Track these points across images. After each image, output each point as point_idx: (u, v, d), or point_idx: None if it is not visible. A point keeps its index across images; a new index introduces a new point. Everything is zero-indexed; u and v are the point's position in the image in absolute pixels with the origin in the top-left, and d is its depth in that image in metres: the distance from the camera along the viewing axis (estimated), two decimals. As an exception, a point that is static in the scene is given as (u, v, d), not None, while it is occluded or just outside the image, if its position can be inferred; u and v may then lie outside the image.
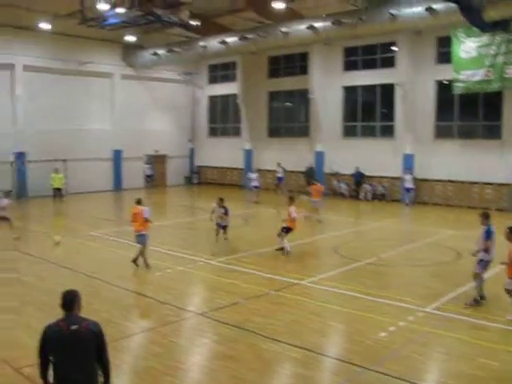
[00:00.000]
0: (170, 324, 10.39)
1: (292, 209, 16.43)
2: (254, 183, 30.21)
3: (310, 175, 31.24)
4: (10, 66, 30.13)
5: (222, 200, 16.90)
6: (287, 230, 16.33)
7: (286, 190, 30.98)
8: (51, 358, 5.20)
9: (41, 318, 10.53)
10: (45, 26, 27.95)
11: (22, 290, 12.75)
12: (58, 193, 28.15)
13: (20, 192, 30.14)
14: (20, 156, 30.40)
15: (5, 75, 30.24)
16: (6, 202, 18.65)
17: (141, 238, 14.47)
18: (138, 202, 14.82)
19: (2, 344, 9.31)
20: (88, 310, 10.73)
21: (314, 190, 23.05)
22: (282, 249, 16.29)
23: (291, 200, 16.70)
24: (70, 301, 5.33)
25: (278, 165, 32.96)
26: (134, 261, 14.43)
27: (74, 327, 5.14)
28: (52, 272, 14.40)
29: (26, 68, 30.53)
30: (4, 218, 18.51)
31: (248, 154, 36.51)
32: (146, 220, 14.45)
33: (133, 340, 9.73)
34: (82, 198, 30.48)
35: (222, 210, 16.84)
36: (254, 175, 30.67)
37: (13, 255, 16.71)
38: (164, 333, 9.90)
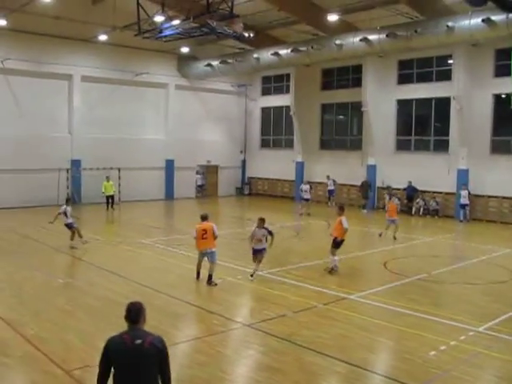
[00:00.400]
0: (217, 334, 10.41)
1: (343, 219, 15.31)
2: (306, 195, 29.65)
3: (366, 189, 31.18)
4: (69, 77, 31.02)
5: (262, 221, 14.60)
6: (338, 244, 15.42)
7: (335, 203, 30.94)
8: (113, 369, 5.09)
9: (90, 322, 10.78)
10: (102, 37, 28.74)
11: (73, 295, 13.03)
12: (110, 200, 28.79)
13: (74, 199, 30.88)
14: (76, 163, 31.20)
15: (63, 85, 31.16)
16: (69, 209, 18.48)
17: (214, 255, 14.06)
18: (205, 218, 14.22)
19: (53, 346, 9.48)
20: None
21: (392, 208, 22.23)
22: (332, 269, 15.34)
23: (341, 210, 15.73)
24: (135, 313, 5.17)
25: (328, 177, 32.87)
26: (210, 280, 13.86)
27: (138, 341, 5.00)
28: (103, 278, 14.63)
29: (84, 78, 31.35)
30: (68, 225, 18.56)
31: (300, 166, 36.43)
32: (216, 237, 14.00)
33: (179, 348, 9.77)
34: (134, 206, 30.99)
35: (263, 232, 14.53)
36: (306, 187, 30.04)
37: (67, 260, 17.14)
38: (210, 342, 9.92)
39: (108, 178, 29.35)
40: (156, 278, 14.52)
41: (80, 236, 18.59)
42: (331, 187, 33.14)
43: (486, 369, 9.02)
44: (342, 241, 15.49)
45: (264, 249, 14.55)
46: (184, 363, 9.20)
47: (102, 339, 9.91)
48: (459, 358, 9.31)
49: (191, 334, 10.64)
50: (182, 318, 11.50)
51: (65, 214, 18.39)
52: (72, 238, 18.49)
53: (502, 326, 10.96)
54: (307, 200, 29.51)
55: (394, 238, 21.37)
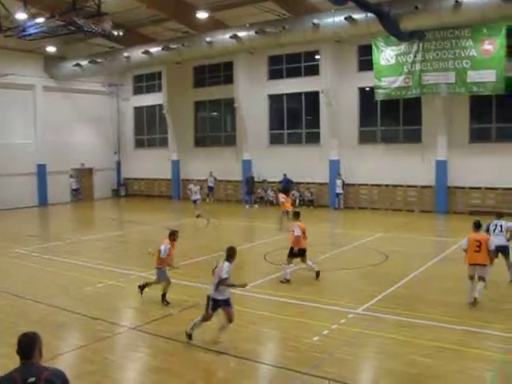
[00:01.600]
0: (102, 340, 10.16)
1: (295, 226, 14.30)
2: (195, 196, 26.84)
3: (251, 185, 31.54)
4: None
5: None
6: (294, 254, 14.22)
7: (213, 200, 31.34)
8: None
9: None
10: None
11: None
12: None
13: None
14: None
15: None
16: None
17: (156, 274, 12.73)
18: (172, 235, 12.86)
19: None
20: (14, 332, 10.37)
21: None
22: (288, 281, 14.07)
23: (296, 216, 14.88)
24: (27, 347, 4.53)
25: (210, 174, 33.06)
26: (164, 297, 12.37)
27: (31, 380, 4.34)
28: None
29: None
30: None
31: (175, 165, 36.28)
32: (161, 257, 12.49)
33: (64, 359, 9.42)
34: (5, 215, 29.43)
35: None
36: (195, 188, 27.38)
37: None
38: (96, 349, 9.67)
39: None
40: (34, 289, 13.90)
41: None
42: (211, 184, 33.37)
43: (367, 347, 9.52)
44: (300, 250, 14.12)
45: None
46: (71, 374, 8.81)
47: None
48: (341, 340, 9.75)
49: (75, 342, 10.29)
50: (63, 327, 11.08)
51: None
52: None
53: (379, 306, 11.60)
54: (195, 201, 26.70)
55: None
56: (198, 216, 25.51)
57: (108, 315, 11.57)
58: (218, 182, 33.87)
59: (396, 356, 9.04)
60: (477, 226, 11.80)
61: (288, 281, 13.93)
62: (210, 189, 33.43)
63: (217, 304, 9.53)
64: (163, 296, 12.25)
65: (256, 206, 31.02)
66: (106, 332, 10.58)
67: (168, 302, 12.19)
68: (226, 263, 9.47)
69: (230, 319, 9.64)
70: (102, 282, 14.22)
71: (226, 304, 9.58)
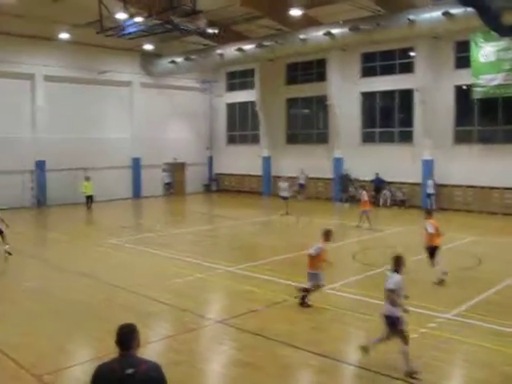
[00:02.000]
0: (189, 331, 10.39)
1: (428, 224, 13.81)
2: (284, 193, 26.68)
3: (346, 183, 31.24)
4: (31, 76, 30.48)
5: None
6: (431, 252, 13.76)
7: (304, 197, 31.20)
8: None
9: (58, 325, 10.65)
10: (64, 36, 28.34)
11: (40, 298, 12.85)
12: (89, 200, 28.39)
13: (40, 201, 30.53)
14: (40, 165, 30.73)
15: (25, 85, 30.61)
16: None
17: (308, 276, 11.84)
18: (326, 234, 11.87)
19: (21, 352, 9.35)
20: (107, 319, 10.81)
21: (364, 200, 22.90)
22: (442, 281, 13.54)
23: (429, 214, 14.45)
24: (125, 338, 4.56)
25: (302, 172, 32.89)
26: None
27: (129, 371, 4.38)
28: (70, 279, 14.47)
29: (47, 78, 30.84)
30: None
31: (266, 161, 36.51)
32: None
33: (151, 347, 9.71)
34: (101, 206, 30.62)
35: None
36: (284, 185, 27.14)
37: (32, 263, 16.90)
38: (183, 340, 9.89)
39: (88, 179, 28.89)
40: (125, 278, 14.40)
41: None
42: (302, 181, 33.29)
43: (456, 353, 9.24)
44: (432, 247, 13.72)
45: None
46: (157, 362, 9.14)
47: (70, 341, 9.92)
48: (429, 345, 9.47)
49: (163, 332, 10.58)
50: (153, 317, 11.42)
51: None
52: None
53: (469, 312, 11.18)
54: (285, 198, 26.43)
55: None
56: (284, 214, 25.49)
57: (196, 307, 11.81)
58: (308, 179, 33.73)
59: (486, 365, 8.68)
60: None
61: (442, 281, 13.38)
62: (301, 186, 33.32)
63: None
64: (304, 296, 11.66)
65: (347, 204, 30.46)
66: (193, 324, 10.81)
67: (308, 305, 11.63)
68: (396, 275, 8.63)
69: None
70: (192, 275, 14.52)
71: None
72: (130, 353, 4.53)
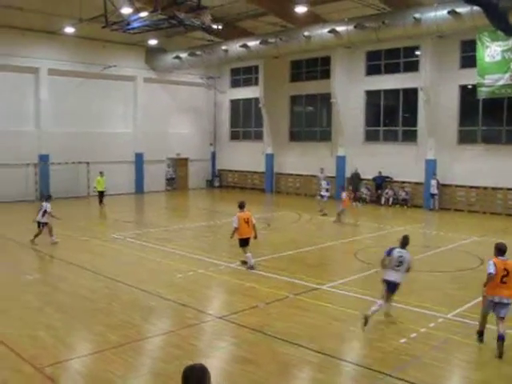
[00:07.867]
0: (189, 327, 10.40)
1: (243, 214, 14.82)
2: (323, 192, 26.13)
3: (356, 182, 30.87)
4: (35, 70, 30.50)
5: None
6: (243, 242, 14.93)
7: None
8: None
9: (60, 318, 10.67)
10: (69, 30, 28.33)
11: (42, 291, 12.88)
12: (101, 196, 28.20)
13: (43, 194, 30.51)
14: (44, 158, 30.77)
15: (29, 78, 30.62)
16: (48, 206, 17.79)
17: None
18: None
19: (22, 344, 9.37)
20: (108, 312, 10.83)
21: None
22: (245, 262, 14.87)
23: (241, 207, 15.09)
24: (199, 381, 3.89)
25: (321, 171, 30.81)
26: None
27: None
28: (72, 273, 14.50)
29: (51, 72, 30.86)
30: (45, 224, 17.79)
31: (269, 158, 36.50)
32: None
33: (152, 342, 9.74)
34: (104, 201, 30.56)
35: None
36: (324, 182, 26.55)
37: (36, 256, 16.94)
38: (183, 335, 9.91)
39: (102, 174, 28.63)
40: (127, 273, 14.44)
41: (51, 235, 17.98)
42: (324, 181, 32.55)
43: (456, 353, 9.19)
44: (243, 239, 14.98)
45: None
46: (157, 357, 9.18)
47: (72, 335, 9.94)
48: (429, 345, 9.47)
49: (164, 327, 10.59)
50: (154, 312, 11.44)
51: (45, 211, 17.72)
52: (50, 234, 17.92)
53: (470, 312, 11.14)
54: (323, 197, 26.04)
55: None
56: (323, 214, 25.25)
57: (196, 303, 11.82)
58: (311, 177, 33.59)
59: (487, 366, 8.68)
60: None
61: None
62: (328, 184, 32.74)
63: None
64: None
65: (360, 204, 28.86)
66: (193, 319, 10.82)
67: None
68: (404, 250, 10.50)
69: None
70: (193, 271, 14.54)
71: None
72: None
